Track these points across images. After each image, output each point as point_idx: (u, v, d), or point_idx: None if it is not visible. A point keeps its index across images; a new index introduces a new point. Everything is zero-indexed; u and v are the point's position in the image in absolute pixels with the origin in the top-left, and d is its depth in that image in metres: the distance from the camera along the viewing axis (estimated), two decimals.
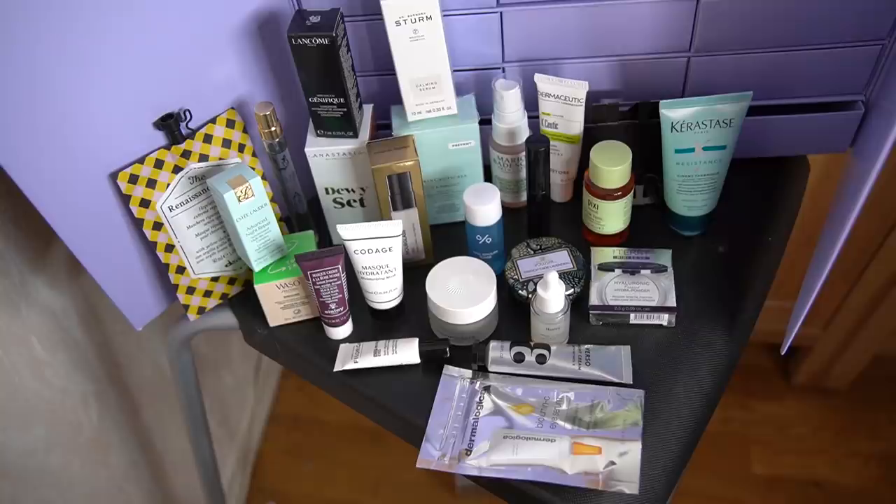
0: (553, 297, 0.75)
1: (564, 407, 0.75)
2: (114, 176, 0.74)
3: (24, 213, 0.88)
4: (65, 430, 1.03)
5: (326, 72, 0.75)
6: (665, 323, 0.80)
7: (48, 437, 1.00)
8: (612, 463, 0.70)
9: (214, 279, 0.85)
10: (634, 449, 0.70)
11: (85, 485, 1.08)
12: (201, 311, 0.86)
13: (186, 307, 0.84)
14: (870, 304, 1.39)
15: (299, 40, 0.73)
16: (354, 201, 0.86)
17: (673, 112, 0.78)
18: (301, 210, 0.87)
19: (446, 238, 0.89)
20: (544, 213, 0.86)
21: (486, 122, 0.85)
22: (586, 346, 0.78)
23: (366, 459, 1.55)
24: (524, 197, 0.89)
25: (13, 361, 0.93)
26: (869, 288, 1.37)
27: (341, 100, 0.77)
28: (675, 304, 0.79)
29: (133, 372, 1.16)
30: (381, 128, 0.88)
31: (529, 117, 0.85)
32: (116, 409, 1.12)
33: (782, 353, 0.79)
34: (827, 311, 1.47)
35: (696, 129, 0.78)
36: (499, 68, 0.85)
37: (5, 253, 0.88)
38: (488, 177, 0.89)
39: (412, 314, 0.84)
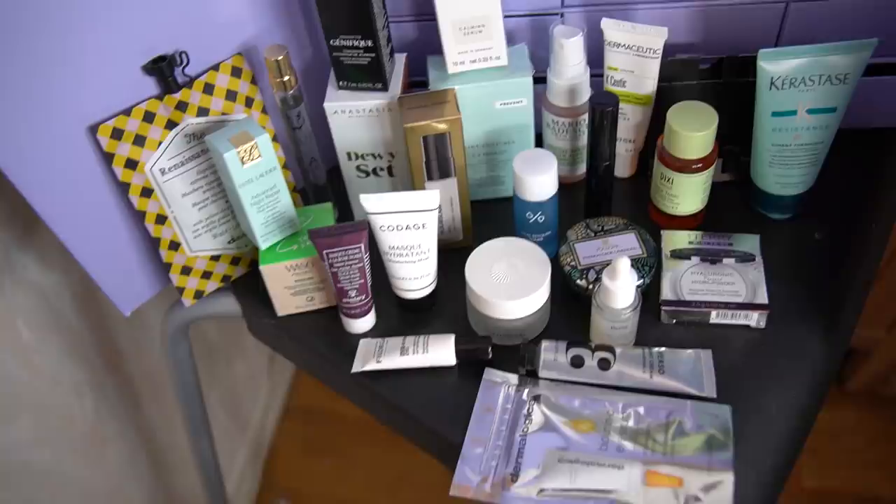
0: (622, 288, 0.59)
1: (632, 424, 0.59)
2: (93, 129, 0.60)
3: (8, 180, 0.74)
4: (55, 422, 0.90)
5: (352, 6, 0.59)
6: (753, 323, 0.64)
7: (35, 430, 0.87)
8: (697, 499, 0.53)
9: (214, 258, 0.69)
10: (725, 481, 0.55)
11: (78, 483, 0.95)
12: (199, 295, 0.71)
13: (181, 290, 0.69)
14: None
15: None
16: (382, 169, 0.70)
17: (774, 65, 0.61)
18: (319, 179, 0.71)
19: (488, 217, 0.73)
20: (607, 189, 0.69)
21: (539, 81, 0.69)
22: (658, 349, 0.62)
23: (385, 458, 1.41)
24: (582, 169, 0.73)
25: None
26: None
27: (369, 42, 0.61)
28: (766, 301, 0.63)
29: (134, 359, 1.02)
30: (415, 85, 0.72)
31: (591, 76, 0.69)
32: (114, 401, 0.99)
33: None
34: (893, 312, 1.29)
35: (800, 87, 0.62)
36: (557, 14, 0.68)
37: None
38: (539, 145, 0.73)
39: (447, 306, 0.69)
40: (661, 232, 0.68)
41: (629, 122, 0.71)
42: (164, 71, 0.60)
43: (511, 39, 0.69)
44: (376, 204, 0.61)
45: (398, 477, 1.40)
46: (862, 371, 1.40)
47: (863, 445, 1.38)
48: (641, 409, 0.59)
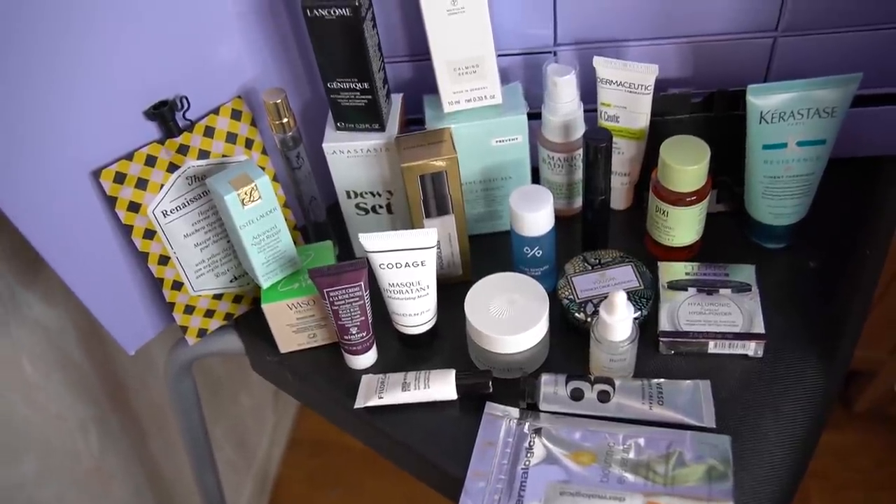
0: (620, 321, 0.59)
1: (633, 455, 0.59)
2: (96, 174, 0.61)
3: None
4: (60, 460, 0.90)
5: (348, 50, 0.61)
6: (751, 353, 0.64)
7: (40, 467, 0.88)
8: None
9: (217, 297, 0.71)
10: None
11: None
12: (202, 333, 0.72)
13: (185, 329, 0.70)
14: None
15: (316, 11, 0.58)
16: (380, 207, 0.71)
17: (763, 99, 0.63)
18: (319, 218, 0.73)
19: (487, 251, 0.74)
20: (603, 222, 0.70)
21: (534, 117, 0.70)
22: (657, 380, 0.63)
23: (391, 489, 1.41)
24: (578, 203, 0.74)
25: (1, 385, 0.80)
26: None
27: (366, 85, 0.63)
28: (763, 331, 0.63)
29: (139, 394, 1.03)
30: (412, 123, 0.73)
31: (585, 111, 0.70)
32: (119, 436, 0.99)
33: None
34: (895, 334, 1.30)
35: (790, 121, 0.63)
36: (550, 52, 0.70)
37: None
38: (536, 179, 0.74)
39: (447, 341, 0.69)
40: (658, 263, 0.69)
41: (623, 156, 0.72)
42: (166, 116, 0.62)
43: (505, 77, 0.71)
44: (375, 242, 0.62)
45: None
46: (867, 392, 1.40)
47: (871, 466, 1.38)
48: (642, 441, 0.60)
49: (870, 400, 1.41)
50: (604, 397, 0.62)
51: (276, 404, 1.48)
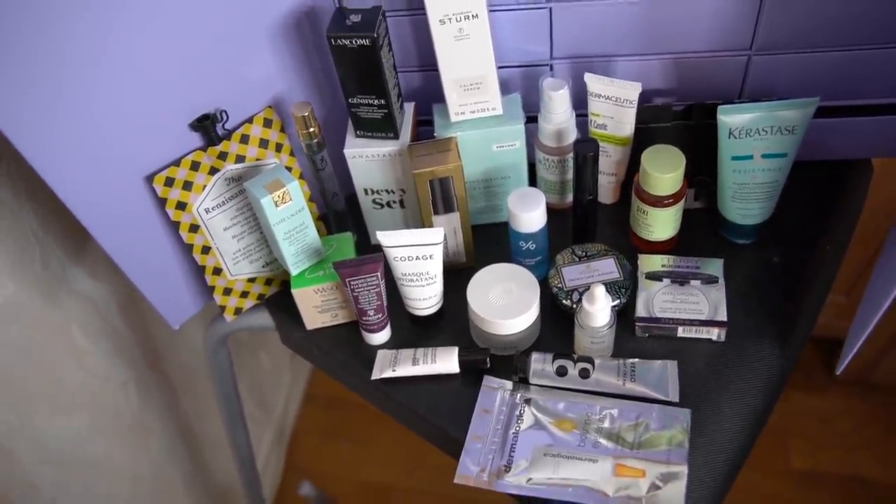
0: (599, 311, 0.72)
1: (607, 424, 0.72)
2: (149, 179, 0.72)
3: (64, 205, 0.87)
4: (106, 417, 1.04)
5: (367, 73, 0.72)
6: (715, 337, 0.77)
7: (90, 424, 1.01)
8: (656, 486, 0.67)
9: (251, 280, 0.83)
10: (680, 473, 0.68)
11: (127, 468, 1.10)
12: (238, 311, 0.84)
13: (223, 308, 0.83)
14: None
15: (339, 41, 0.69)
16: (394, 202, 0.83)
17: (731, 118, 0.73)
18: (339, 208, 0.85)
19: (489, 239, 0.86)
20: (591, 218, 0.82)
21: (533, 119, 0.81)
22: (632, 360, 0.75)
23: (400, 441, 1.54)
24: (570, 198, 0.85)
25: (55, 351, 0.93)
26: None
27: (382, 101, 0.74)
28: (725, 319, 0.75)
29: (171, 359, 1.16)
30: (423, 123, 0.84)
31: (578, 115, 0.81)
32: (156, 396, 1.13)
33: (837, 373, 0.75)
34: None
35: (755, 136, 0.74)
36: (547, 65, 0.80)
37: (46, 243, 0.88)
38: (533, 176, 0.85)
39: (453, 320, 0.82)
40: (638, 256, 0.81)
41: (611, 159, 0.83)
42: (208, 128, 0.73)
43: (507, 88, 0.82)
44: (391, 239, 0.74)
45: (413, 459, 1.53)
46: (850, 360, 1.52)
47: (850, 429, 1.49)
48: (615, 412, 0.73)
49: (851, 367, 1.53)
50: (584, 374, 0.74)
51: (293, 364, 1.61)
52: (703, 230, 0.85)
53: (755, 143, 0.74)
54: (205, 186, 0.75)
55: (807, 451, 1.48)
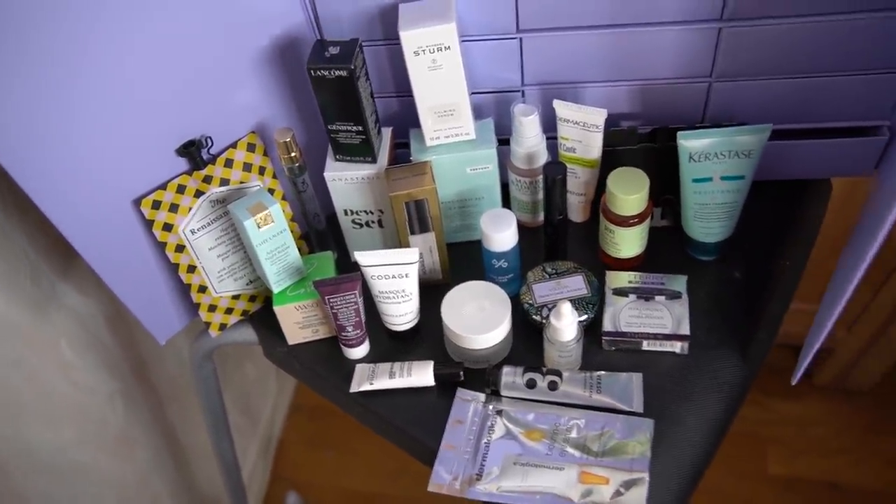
0: (566, 326, 0.77)
1: (574, 434, 0.77)
2: (137, 202, 0.77)
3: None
4: (93, 427, 1.07)
5: (345, 101, 0.77)
6: (678, 350, 0.82)
7: (77, 435, 1.05)
8: (619, 493, 0.72)
9: (235, 297, 0.88)
10: (641, 479, 0.73)
11: (113, 479, 1.13)
12: (223, 327, 0.89)
13: (208, 324, 0.88)
14: (895, 308, 1.39)
15: (318, 72, 0.74)
16: (373, 222, 0.88)
17: (691, 142, 0.79)
18: (320, 227, 0.89)
19: (465, 256, 0.91)
20: (561, 236, 0.87)
21: (505, 142, 0.86)
22: (598, 373, 0.80)
23: (385, 450, 1.53)
24: (542, 217, 0.90)
25: (44, 364, 0.97)
26: (894, 291, 1.36)
27: (360, 127, 0.79)
28: (688, 333, 0.81)
29: (157, 370, 1.20)
30: (401, 146, 0.89)
31: (549, 139, 0.86)
32: (141, 406, 1.17)
33: (793, 383, 0.80)
34: (852, 314, 1.47)
35: (714, 160, 0.79)
36: (518, 91, 0.86)
37: (36, 260, 0.92)
38: (506, 196, 0.91)
39: (429, 335, 0.86)
40: (606, 273, 0.86)
41: (580, 180, 0.88)
42: (193, 153, 0.78)
43: (480, 112, 0.87)
44: (369, 259, 0.79)
45: (397, 468, 1.56)
46: (827, 367, 1.57)
47: (828, 435, 1.54)
48: (582, 422, 0.78)
49: (829, 374, 1.59)
50: (553, 386, 0.79)
51: (279, 374, 1.65)
52: (669, 247, 0.90)
53: (714, 166, 0.79)
54: (190, 209, 0.80)
55: (784, 457, 1.53)
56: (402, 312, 0.83)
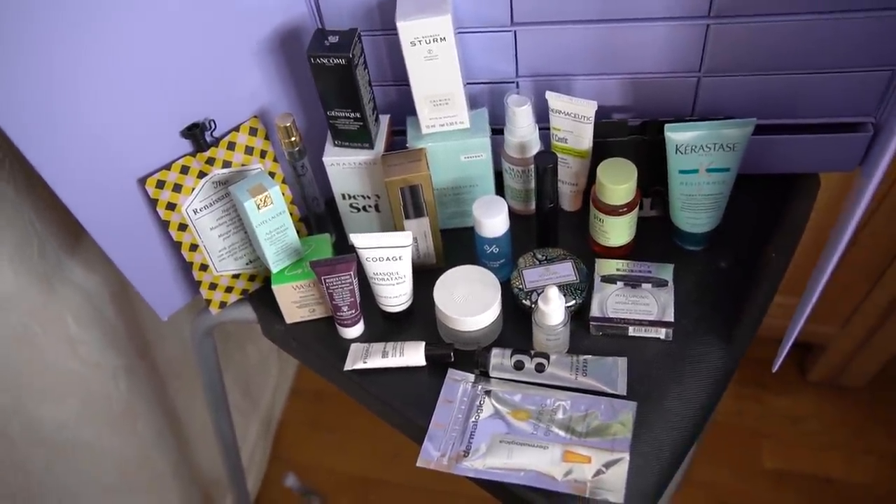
0: (553, 310, 0.80)
1: (560, 415, 0.81)
2: (142, 181, 0.81)
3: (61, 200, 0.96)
4: (96, 402, 1.11)
5: (343, 89, 0.80)
6: (663, 336, 0.85)
7: (81, 409, 1.09)
8: (601, 472, 0.75)
9: (235, 276, 0.92)
10: (622, 459, 0.76)
11: (115, 454, 1.17)
12: (223, 305, 0.93)
13: (208, 302, 0.92)
14: (889, 306, 1.42)
15: (318, 59, 0.78)
16: (370, 206, 0.91)
17: (678, 135, 0.82)
18: (318, 210, 0.93)
19: (458, 241, 0.94)
20: (552, 224, 0.90)
21: (500, 132, 0.90)
22: (585, 356, 0.84)
23: (384, 432, 1.56)
24: (534, 204, 0.94)
25: (49, 339, 1.01)
26: (888, 288, 1.39)
27: (357, 114, 0.83)
28: (672, 319, 0.84)
29: (160, 347, 1.24)
30: (399, 133, 0.93)
31: (541, 129, 0.90)
32: (144, 383, 1.21)
33: (773, 370, 0.83)
34: (845, 311, 1.50)
35: (700, 152, 0.82)
36: (512, 82, 0.89)
37: (43, 236, 0.96)
38: (500, 183, 0.94)
39: (421, 317, 0.90)
40: (596, 260, 0.90)
41: (571, 170, 0.92)
42: (197, 135, 0.81)
43: (475, 102, 0.90)
44: (364, 241, 0.83)
45: (394, 450, 1.60)
46: (820, 363, 1.60)
47: (821, 430, 1.57)
48: (567, 404, 0.81)
49: (824, 370, 1.62)
50: (540, 368, 0.83)
51: (280, 357, 1.70)
52: (658, 237, 0.93)
53: (700, 158, 0.83)
54: (193, 189, 0.84)
55: (778, 452, 1.56)
56: (395, 294, 0.86)
